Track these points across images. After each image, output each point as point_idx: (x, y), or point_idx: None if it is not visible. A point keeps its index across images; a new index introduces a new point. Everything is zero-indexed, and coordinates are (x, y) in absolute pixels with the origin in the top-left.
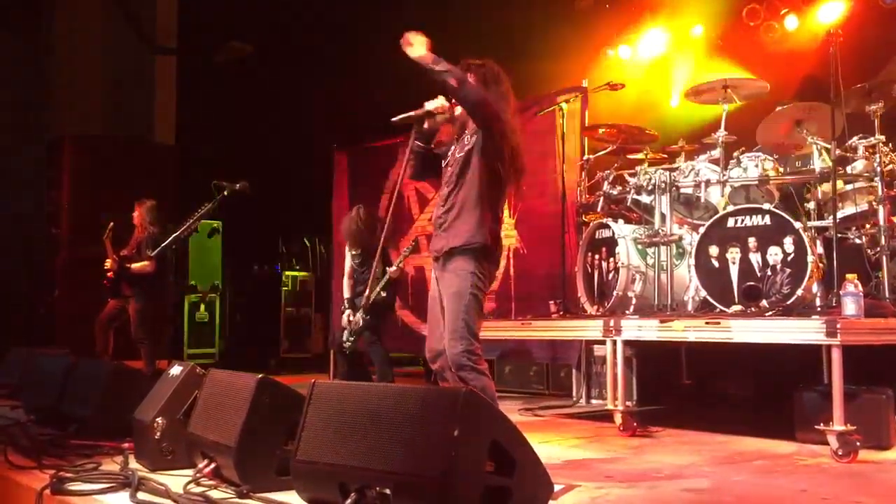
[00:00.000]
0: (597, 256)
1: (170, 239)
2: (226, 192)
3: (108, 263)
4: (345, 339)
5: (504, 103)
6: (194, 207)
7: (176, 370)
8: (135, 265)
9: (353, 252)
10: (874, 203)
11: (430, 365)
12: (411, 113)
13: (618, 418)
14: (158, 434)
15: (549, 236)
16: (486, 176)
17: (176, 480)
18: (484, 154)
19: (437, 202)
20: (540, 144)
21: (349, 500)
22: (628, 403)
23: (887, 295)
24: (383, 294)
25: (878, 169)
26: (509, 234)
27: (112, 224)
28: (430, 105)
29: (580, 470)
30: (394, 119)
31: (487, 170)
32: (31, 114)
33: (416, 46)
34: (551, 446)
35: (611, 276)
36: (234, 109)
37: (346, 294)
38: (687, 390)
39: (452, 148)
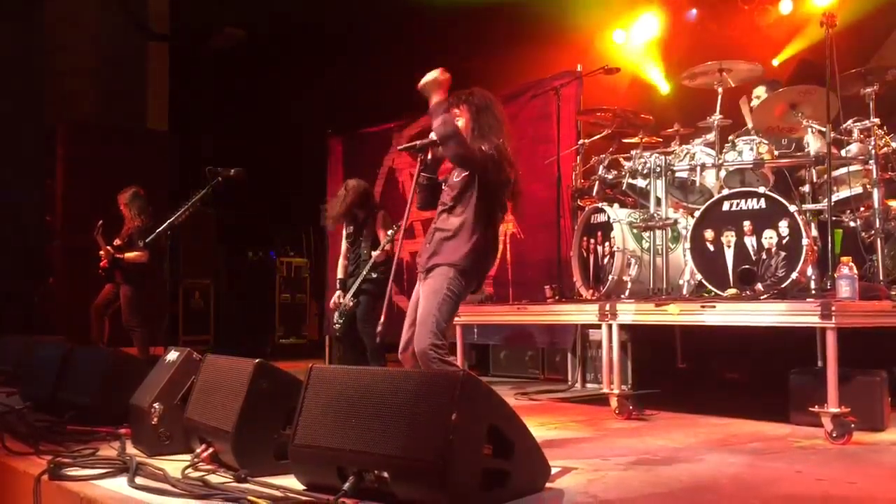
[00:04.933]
0: (592, 241)
1: (164, 226)
2: (220, 179)
3: (102, 254)
4: (335, 321)
5: (497, 130)
6: (188, 194)
7: (172, 356)
8: (128, 255)
9: (346, 231)
10: (869, 186)
11: (405, 365)
12: (416, 142)
13: (613, 402)
14: (156, 419)
15: (546, 221)
16: (483, 201)
17: (174, 465)
18: (481, 182)
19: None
20: (535, 129)
21: (347, 484)
22: (624, 387)
23: (881, 278)
24: (374, 275)
25: (873, 152)
26: (506, 220)
27: (101, 222)
28: (434, 135)
29: (576, 453)
30: (400, 147)
31: (484, 195)
32: (24, 102)
33: (430, 77)
34: (547, 430)
35: (606, 260)
36: (228, 96)
37: (339, 275)
38: (682, 374)
39: (453, 171)
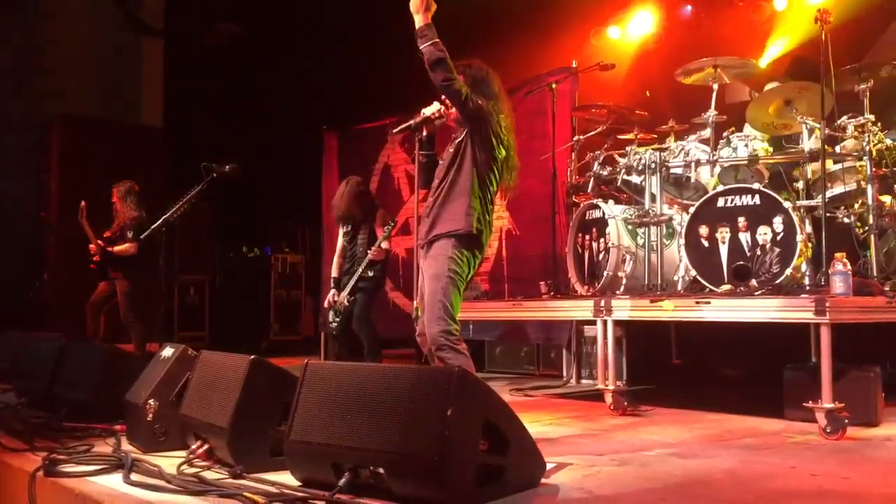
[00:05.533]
0: (587, 237)
1: (159, 222)
2: (215, 175)
3: (92, 247)
4: (331, 319)
5: (496, 102)
6: (184, 190)
7: (168, 352)
8: (116, 247)
9: (344, 229)
10: (863, 182)
11: (423, 348)
12: (410, 122)
13: (608, 398)
14: (151, 416)
15: (541, 217)
16: (474, 166)
17: (169, 462)
18: (474, 142)
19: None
20: (531, 125)
21: (343, 480)
22: (618, 383)
23: (875, 273)
24: (370, 273)
25: (867, 148)
26: (501, 216)
27: (84, 203)
28: (426, 111)
29: (571, 448)
30: (393, 130)
31: (475, 160)
32: (19, 97)
33: (417, 3)
34: (543, 426)
35: (601, 256)
36: (223, 91)
37: (334, 273)
38: (677, 369)
39: (448, 147)
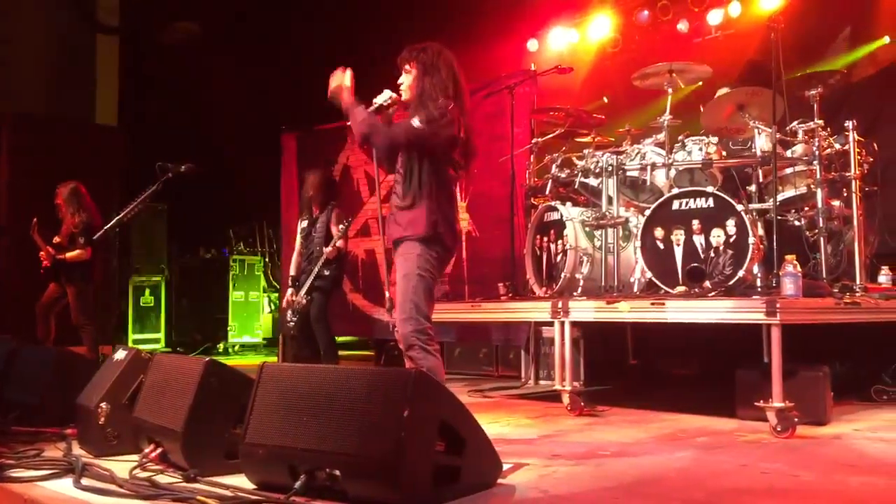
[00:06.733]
0: (545, 239)
1: (112, 222)
2: (170, 174)
3: (43, 255)
4: (288, 318)
5: (443, 89)
6: (138, 190)
7: (120, 355)
8: (69, 254)
9: (301, 226)
10: (813, 186)
11: (401, 346)
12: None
13: (565, 398)
14: (103, 419)
15: (501, 219)
16: (431, 165)
17: (121, 466)
18: (419, 151)
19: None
20: (490, 127)
21: (298, 483)
22: (576, 384)
23: (825, 275)
24: (326, 272)
25: (817, 153)
26: (462, 218)
27: (36, 220)
28: (378, 100)
29: (528, 449)
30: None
31: (427, 161)
32: None
33: (335, 83)
34: (500, 426)
35: (559, 258)
36: (180, 91)
37: (292, 272)
38: (633, 370)
39: None
